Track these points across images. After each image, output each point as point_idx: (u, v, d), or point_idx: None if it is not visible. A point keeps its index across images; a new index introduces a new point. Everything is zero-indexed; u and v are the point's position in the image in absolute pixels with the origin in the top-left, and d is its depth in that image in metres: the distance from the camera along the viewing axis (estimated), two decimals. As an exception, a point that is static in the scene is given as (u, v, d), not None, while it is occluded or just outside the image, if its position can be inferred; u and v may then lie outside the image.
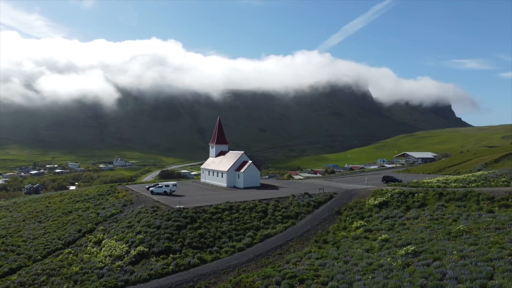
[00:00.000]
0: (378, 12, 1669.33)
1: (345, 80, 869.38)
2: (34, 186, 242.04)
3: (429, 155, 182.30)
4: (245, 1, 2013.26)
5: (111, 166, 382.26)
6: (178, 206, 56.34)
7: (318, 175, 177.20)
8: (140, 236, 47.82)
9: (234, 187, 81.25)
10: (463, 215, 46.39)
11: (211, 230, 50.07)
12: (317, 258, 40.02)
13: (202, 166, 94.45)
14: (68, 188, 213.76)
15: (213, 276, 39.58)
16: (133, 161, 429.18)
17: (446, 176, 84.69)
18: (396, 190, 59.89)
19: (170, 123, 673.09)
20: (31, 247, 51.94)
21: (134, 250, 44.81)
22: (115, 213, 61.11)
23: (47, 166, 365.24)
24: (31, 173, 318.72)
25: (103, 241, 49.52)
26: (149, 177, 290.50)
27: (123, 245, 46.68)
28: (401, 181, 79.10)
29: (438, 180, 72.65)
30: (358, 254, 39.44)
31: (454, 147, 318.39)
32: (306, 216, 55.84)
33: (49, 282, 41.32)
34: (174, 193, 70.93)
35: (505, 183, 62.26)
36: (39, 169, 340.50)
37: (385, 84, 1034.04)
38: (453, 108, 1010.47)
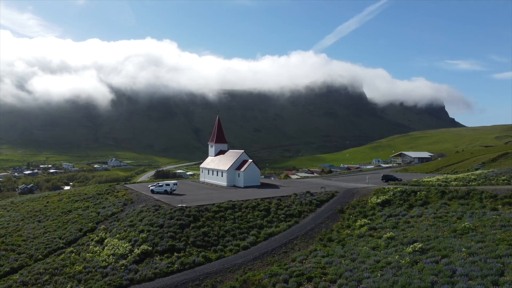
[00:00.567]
0: (372, 13, 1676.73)
1: (340, 80, 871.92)
2: (28, 186, 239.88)
3: (425, 154, 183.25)
4: (239, 1, 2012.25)
5: (106, 166, 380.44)
6: (180, 205, 55.98)
7: (315, 174, 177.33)
8: (143, 235, 47.39)
9: (234, 186, 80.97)
10: (467, 213, 46.50)
11: (214, 228, 49.77)
12: (323, 256, 39.91)
13: (201, 165, 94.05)
14: (62, 188, 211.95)
15: (219, 274, 39.28)
16: (128, 161, 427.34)
17: (445, 175, 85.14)
18: (398, 189, 59.99)
19: (165, 123, 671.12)
20: (32, 246, 51.30)
21: (138, 249, 44.39)
22: (116, 212, 60.58)
23: (41, 166, 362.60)
24: (25, 173, 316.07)
25: (106, 240, 49.01)
26: (144, 177, 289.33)
27: (126, 244, 46.22)
28: (401, 180, 79.30)
29: (438, 179, 72.99)
30: (365, 252, 39.38)
31: (448, 147, 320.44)
32: (309, 214, 55.71)
33: (52, 282, 40.78)
34: (174, 192, 70.50)
35: (506, 181, 62.59)
36: (33, 169, 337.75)
37: (380, 84, 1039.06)
38: (446, 109, 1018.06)
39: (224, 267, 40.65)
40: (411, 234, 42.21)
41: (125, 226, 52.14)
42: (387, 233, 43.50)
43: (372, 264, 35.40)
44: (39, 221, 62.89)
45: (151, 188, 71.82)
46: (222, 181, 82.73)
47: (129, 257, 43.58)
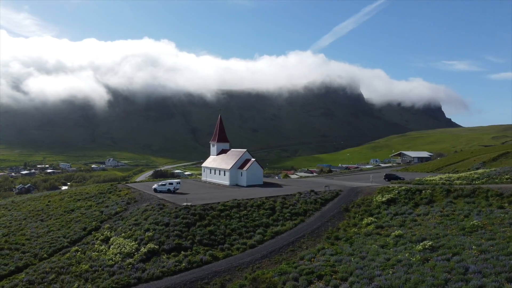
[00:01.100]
0: (369, 14, 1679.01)
1: (338, 81, 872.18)
2: (26, 186, 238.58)
3: (425, 154, 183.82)
4: (236, 1, 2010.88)
5: (103, 166, 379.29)
6: (185, 204, 55.74)
7: (315, 174, 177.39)
8: (149, 234, 47.11)
9: (237, 185, 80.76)
10: (474, 211, 46.51)
11: (220, 227, 49.55)
12: (331, 254, 39.80)
13: (203, 165, 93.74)
14: (60, 188, 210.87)
15: (228, 273, 39.08)
16: (126, 161, 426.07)
17: (447, 174, 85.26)
18: (403, 187, 59.95)
19: (162, 124, 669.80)
20: (36, 245, 50.88)
21: (144, 248, 44.12)
22: (120, 211, 60.24)
23: (38, 166, 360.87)
24: (22, 173, 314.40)
25: (111, 239, 48.68)
26: (142, 177, 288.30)
27: (132, 243, 45.93)
28: (403, 179, 79.36)
29: (441, 178, 73.03)
30: (374, 250, 39.29)
31: (445, 147, 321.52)
32: (314, 213, 55.60)
33: (58, 281, 40.45)
34: (177, 191, 70.23)
35: (510, 180, 62.69)
36: (30, 169, 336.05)
37: (378, 85, 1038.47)
38: (443, 109, 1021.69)
39: (232, 266, 40.45)
40: (419, 232, 42.17)
41: (130, 225, 51.83)
42: (395, 231, 43.44)
43: (382, 262, 35.32)
44: (41, 220, 62.45)
45: (154, 187, 71.53)
46: (225, 180, 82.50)
47: (136, 255, 43.30)
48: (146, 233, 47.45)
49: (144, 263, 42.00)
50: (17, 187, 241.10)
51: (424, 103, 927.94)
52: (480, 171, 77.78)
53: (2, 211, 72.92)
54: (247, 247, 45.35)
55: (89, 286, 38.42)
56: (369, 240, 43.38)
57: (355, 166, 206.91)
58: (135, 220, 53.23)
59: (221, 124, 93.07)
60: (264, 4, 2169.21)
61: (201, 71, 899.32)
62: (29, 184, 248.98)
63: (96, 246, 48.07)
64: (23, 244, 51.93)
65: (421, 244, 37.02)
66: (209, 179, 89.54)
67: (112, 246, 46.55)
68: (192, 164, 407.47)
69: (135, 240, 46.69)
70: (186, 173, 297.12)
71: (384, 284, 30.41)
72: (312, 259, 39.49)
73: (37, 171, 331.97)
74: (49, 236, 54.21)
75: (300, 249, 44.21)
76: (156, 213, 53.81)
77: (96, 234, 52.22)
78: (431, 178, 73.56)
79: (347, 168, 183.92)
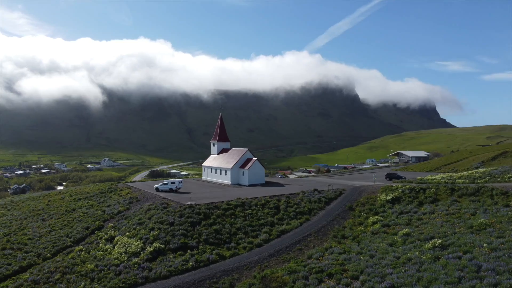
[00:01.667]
0: (364, 15, 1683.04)
1: (334, 81, 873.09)
2: (21, 187, 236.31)
3: (422, 154, 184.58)
4: (231, 2, 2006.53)
5: (99, 166, 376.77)
6: (189, 203, 55.36)
7: (312, 173, 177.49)
8: (154, 233, 46.69)
9: (238, 184, 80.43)
10: (480, 210, 46.59)
11: (226, 226, 49.25)
12: (340, 253, 39.66)
13: (203, 164, 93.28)
14: (55, 189, 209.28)
15: (236, 272, 38.77)
16: (121, 161, 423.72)
17: (448, 173, 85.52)
18: (407, 186, 59.99)
19: (158, 124, 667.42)
20: (39, 245, 50.29)
21: (150, 247, 43.68)
22: (122, 210, 59.73)
23: (33, 166, 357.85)
24: (17, 173, 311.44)
25: (116, 238, 48.22)
26: (138, 177, 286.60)
27: (137, 242, 45.49)
28: (404, 178, 79.42)
29: (442, 177, 73.21)
30: (382, 248, 39.18)
31: (441, 147, 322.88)
32: (319, 212, 55.45)
33: (64, 280, 39.94)
34: (179, 190, 69.79)
35: (511, 179, 63.02)
36: (24, 170, 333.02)
37: (374, 85, 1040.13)
38: (438, 110, 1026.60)
39: (240, 265, 40.15)
40: (426, 231, 42.14)
41: (134, 224, 51.37)
42: (402, 230, 43.38)
43: (392, 260, 35.21)
44: (43, 220, 61.78)
45: (156, 186, 71.06)
46: (226, 180, 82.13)
47: (142, 255, 42.89)
48: (151, 232, 47.02)
49: (150, 262, 41.59)
50: (12, 187, 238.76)
51: (419, 103, 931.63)
52: (481, 170, 78.03)
53: (2, 211, 72.11)
54: (253, 246, 45.09)
55: (96, 285, 37.93)
56: (376, 239, 43.28)
57: (352, 166, 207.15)
58: (139, 219, 52.75)
59: (222, 124, 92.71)
60: (260, 4, 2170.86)
61: (197, 71, 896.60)
62: (24, 184, 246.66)
63: (100, 245, 47.57)
64: (26, 244, 51.33)
65: (430, 242, 36.96)
66: (210, 178, 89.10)
67: (117, 246, 46.08)
68: (188, 164, 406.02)
69: (140, 239, 46.25)
70: (183, 173, 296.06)
71: (397, 282, 30.30)
72: (321, 258, 39.33)
73: (32, 171, 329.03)
74: (52, 235, 53.62)
75: (307, 248, 44.02)
76: (160, 212, 53.38)
77: (100, 233, 51.72)
78: (433, 177, 73.73)
79: (344, 168, 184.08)
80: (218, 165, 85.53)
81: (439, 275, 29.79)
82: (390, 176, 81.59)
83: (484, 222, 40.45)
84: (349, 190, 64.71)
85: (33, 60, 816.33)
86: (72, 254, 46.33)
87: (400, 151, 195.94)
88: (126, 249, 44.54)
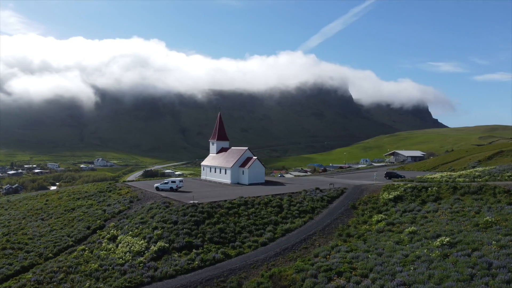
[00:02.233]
0: (357, 15, 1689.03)
1: (328, 82, 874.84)
2: (13, 187, 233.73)
3: (418, 153, 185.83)
4: (224, 2, 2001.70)
5: (92, 166, 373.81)
6: (192, 202, 54.97)
7: (308, 173, 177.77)
8: (158, 232, 46.26)
9: (238, 183, 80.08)
10: (484, 208, 46.76)
11: (230, 225, 48.95)
12: (347, 251, 39.55)
13: (202, 163, 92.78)
14: (48, 189, 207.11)
15: (243, 271, 38.52)
16: (115, 161, 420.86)
17: (447, 172, 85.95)
18: (409, 185, 60.12)
19: (151, 123, 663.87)
20: (40, 245, 49.59)
21: (155, 246, 43.28)
22: (123, 210, 59.14)
23: (25, 166, 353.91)
24: (9, 173, 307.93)
25: (119, 237, 47.70)
26: (132, 177, 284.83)
27: (141, 241, 45.06)
28: (404, 177, 79.52)
29: (442, 176, 73.46)
30: (389, 246, 39.14)
31: (434, 147, 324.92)
32: (322, 210, 55.36)
33: (68, 280, 39.37)
34: (180, 189, 69.31)
35: (511, 177, 63.41)
36: (17, 169, 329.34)
37: (367, 86, 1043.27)
38: (430, 110, 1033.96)
39: (246, 263, 39.90)
40: (432, 229, 42.19)
41: (136, 223, 50.88)
42: (408, 228, 43.41)
43: (401, 258, 35.17)
44: (42, 219, 60.96)
45: (156, 185, 70.53)
46: (226, 179, 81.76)
47: (146, 254, 42.50)
48: (155, 231, 46.59)
49: (155, 261, 41.22)
50: (4, 187, 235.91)
51: (413, 104, 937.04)
52: (480, 169, 78.52)
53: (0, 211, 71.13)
54: (258, 244, 44.88)
55: (101, 285, 37.43)
56: (382, 237, 43.26)
57: (347, 165, 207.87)
58: (141, 218, 52.24)
59: (221, 122, 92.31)
60: (252, 4, 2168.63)
61: (191, 71, 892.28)
62: (16, 184, 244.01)
63: (103, 244, 47.03)
64: (26, 244, 50.59)
65: (438, 240, 36.97)
66: (209, 178, 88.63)
67: (120, 245, 45.61)
68: (182, 164, 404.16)
69: (144, 238, 45.82)
70: (177, 172, 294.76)
71: (408, 279, 30.26)
72: (328, 256, 39.18)
73: (24, 171, 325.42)
74: (53, 235, 52.92)
75: (313, 246, 43.89)
76: (163, 211, 52.94)
77: (102, 232, 51.14)
78: (432, 176, 73.96)
79: (340, 167, 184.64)
80: (218, 164, 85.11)
81: (451, 272, 29.78)
82: (390, 175, 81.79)
83: (490, 220, 40.59)
84: (351, 189, 64.72)
85: (24, 60, 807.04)
86: (74, 253, 45.76)
87: (396, 151, 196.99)
88: (130, 248, 44.09)
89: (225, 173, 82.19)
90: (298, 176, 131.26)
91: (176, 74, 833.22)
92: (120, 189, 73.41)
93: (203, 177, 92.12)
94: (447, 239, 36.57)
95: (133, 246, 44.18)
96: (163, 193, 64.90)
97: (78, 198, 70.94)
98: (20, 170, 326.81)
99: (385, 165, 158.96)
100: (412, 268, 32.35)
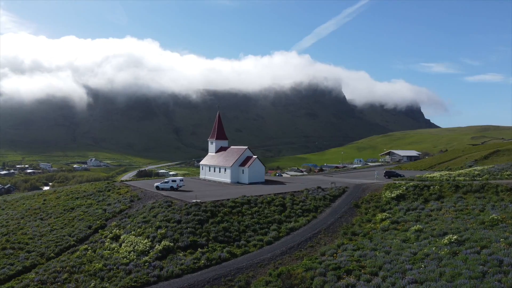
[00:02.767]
0: (350, 16, 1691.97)
1: (322, 82, 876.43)
2: (6, 187, 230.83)
3: (414, 153, 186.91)
4: (217, 2, 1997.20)
5: (85, 166, 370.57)
6: (194, 201, 54.55)
7: (304, 173, 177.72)
8: (162, 231, 45.80)
9: (238, 182, 79.71)
10: (487, 206, 47.00)
11: (234, 224, 48.66)
12: (354, 250, 39.45)
13: (201, 162, 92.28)
14: (41, 189, 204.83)
15: (250, 269, 38.25)
16: (108, 161, 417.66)
17: (446, 171, 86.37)
18: (411, 184, 60.28)
19: (145, 123, 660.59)
20: (41, 245, 48.85)
21: (159, 245, 42.83)
22: (124, 209, 58.54)
23: (17, 166, 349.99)
24: (1, 174, 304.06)
25: (121, 237, 47.17)
26: (125, 177, 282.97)
27: (145, 240, 44.58)
28: (403, 176, 79.80)
29: (441, 175, 73.85)
30: (396, 244, 39.10)
31: (427, 147, 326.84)
32: (325, 209, 55.29)
33: (72, 280, 38.80)
34: (180, 189, 68.81)
35: (511, 176, 63.88)
36: (8, 170, 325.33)
37: (361, 86, 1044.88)
38: (423, 110, 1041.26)
39: (253, 262, 39.63)
40: (438, 227, 42.25)
41: (139, 223, 50.35)
42: (414, 226, 43.44)
43: (410, 256, 35.14)
44: (41, 219, 60.13)
45: (156, 184, 69.96)
46: (226, 178, 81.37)
47: (151, 253, 42.04)
48: (159, 231, 46.12)
49: (160, 260, 40.79)
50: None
51: (406, 104, 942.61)
52: (479, 168, 79.04)
53: (-4, 210, 70.02)
54: (263, 243, 44.65)
55: (107, 285, 36.92)
56: (388, 235, 43.24)
57: (342, 165, 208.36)
58: (144, 217, 51.74)
59: (220, 122, 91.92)
60: (246, 4, 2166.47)
61: (185, 71, 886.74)
62: (9, 185, 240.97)
63: (106, 244, 46.45)
64: (27, 244, 49.83)
65: (446, 238, 37.01)
66: (208, 177, 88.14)
67: (124, 244, 45.10)
68: (176, 164, 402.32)
69: (148, 237, 45.33)
70: (171, 173, 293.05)
71: (419, 277, 30.17)
72: (335, 255, 39.04)
73: (16, 171, 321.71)
74: (53, 234, 52.19)
75: (318, 245, 43.76)
76: (165, 210, 52.46)
77: (104, 232, 50.54)
78: (431, 175, 74.32)
79: (336, 167, 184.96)
80: (217, 163, 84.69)
81: (462, 270, 29.73)
82: (389, 174, 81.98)
83: (496, 217, 40.77)
84: (352, 188, 64.73)
85: (15, 59, 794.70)
86: (77, 253, 45.14)
87: (392, 150, 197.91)
88: (134, 247, 43.60)
89: (225, 172, 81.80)
90: (295, 175, 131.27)
91: (170, 74, 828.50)
92: (119, 189, 72.73)
93: (202, 176, 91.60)
94: (455, 237, 36.61)
95: (137, 246, 43.68)
96: (164, 192, 64.38)
97: (77, 198, 70.13)
98: (12, 170, 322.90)
99: (381, 165, 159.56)
100: (422, 265, 32.30)
